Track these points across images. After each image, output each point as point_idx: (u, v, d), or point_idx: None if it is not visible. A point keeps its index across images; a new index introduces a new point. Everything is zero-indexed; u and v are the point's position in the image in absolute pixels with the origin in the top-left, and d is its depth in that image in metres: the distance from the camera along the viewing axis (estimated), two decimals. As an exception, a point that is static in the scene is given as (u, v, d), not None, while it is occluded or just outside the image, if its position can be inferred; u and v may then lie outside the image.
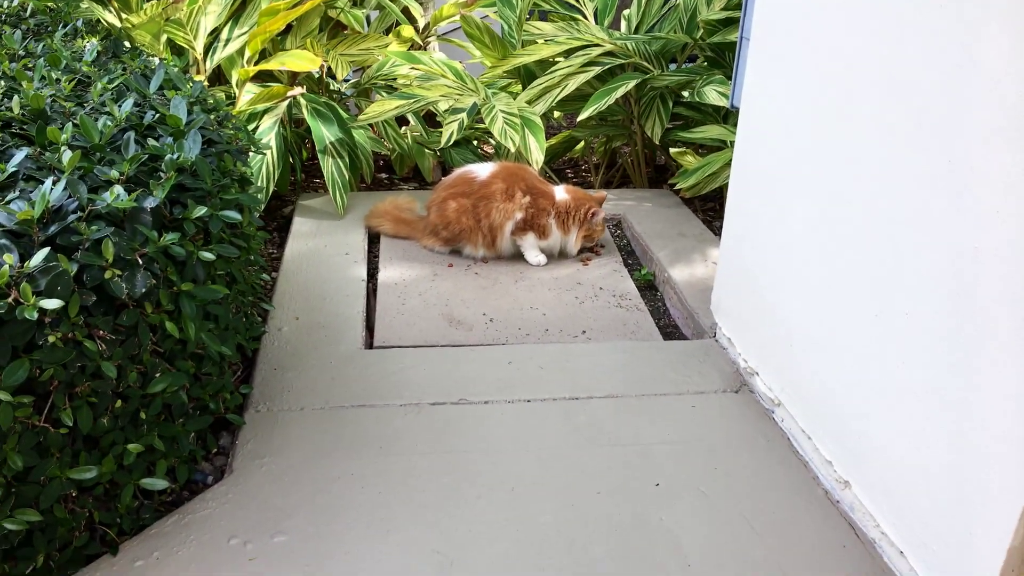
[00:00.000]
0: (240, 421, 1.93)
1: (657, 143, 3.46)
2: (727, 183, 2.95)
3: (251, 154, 2.94)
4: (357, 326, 2.42)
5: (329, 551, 1.59)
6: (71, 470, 1.44)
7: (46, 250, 1.37)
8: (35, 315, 1.31)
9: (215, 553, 1.56)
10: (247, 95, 3.24)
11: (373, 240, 3.10)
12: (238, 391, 2.01)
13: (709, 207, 3.63)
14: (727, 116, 3.37)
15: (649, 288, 2.88)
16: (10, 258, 1.34)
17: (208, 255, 1.71)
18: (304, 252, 2.91)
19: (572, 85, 3.28)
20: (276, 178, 3.10)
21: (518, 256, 2.95)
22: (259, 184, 3.03)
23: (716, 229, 3.23)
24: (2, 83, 1.94)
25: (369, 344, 2.39)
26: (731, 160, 2.32)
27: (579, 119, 3.31)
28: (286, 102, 3.24)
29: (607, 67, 3.32)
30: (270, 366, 2.19)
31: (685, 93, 3.52)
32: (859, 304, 1.66)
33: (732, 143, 3.05)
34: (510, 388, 2.13)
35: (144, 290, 1.52)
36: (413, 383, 2.14)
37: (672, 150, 3.66)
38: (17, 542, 1.42)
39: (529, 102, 3.29)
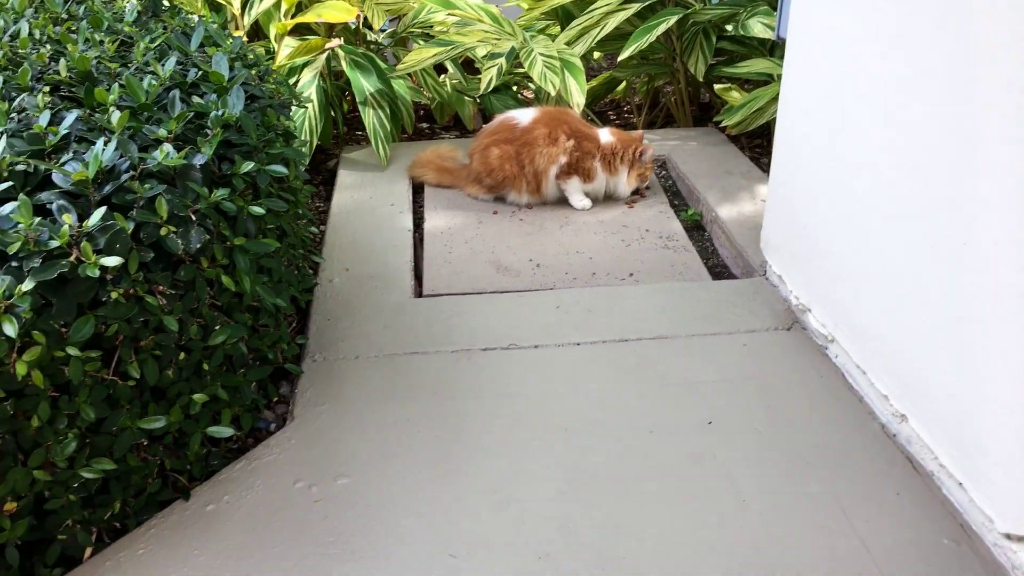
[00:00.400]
0: (298, 370, 1.98)
1: (701, 80, 3.37)
2: (774, 118, 2.87)
3: (293, 108, 2.95)
4: (406, 275, 2.45)
5: (390, 492, 1.63)
6: (141, 420, 1.50)
7: (103, 209, 1.41)
8: (97, 273, 1.35)
9: (282, 496, 1.62)
10: (286, 49, 3.24)
11: (417, 190, 3.11)
12: (294, 342, 2.06)
13: (756, 144, 3.55)
14: (773, 49, 3.27)
15: (696, 228, 2.85)
16: (69, 218, 1.38)
17: (258, 209, 1.74)
18: (350, 204, 2.93)
19: (611, 24, 3.21)
20: (319, 132, 3.11)
21: (562, 201, 2.93)
22: (302, 138, 3.05)
23: (764, 166, 3.16)
24: (48, 47, 1.98)
25: (418, 293, 2.42)
26: (778, 94, 2.26)
27: (620, 59, 3.24)
28: (325, 55, 3.24)
29: (647, 3, 3.24)
30: (324, 317, 2.23)
31: (729, 27, 3.42)
32: (916, 235, 1.62)
33: (779, 76, 2.96)
34: (559, 332, 2.14)
35: (199, 245, 1.56)
36: (463, 329, 2.16)
37: (716, 86, 3.58)
38: (95, 490, 1.49)
39: (568, 44, 3.23)
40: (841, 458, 1.70)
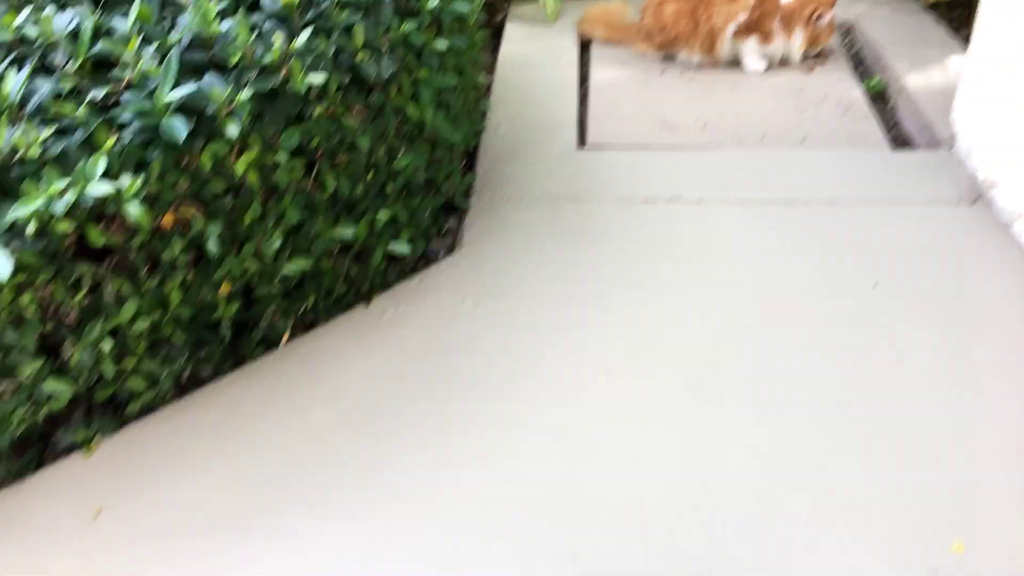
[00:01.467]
0: (466, 205, 2.10)
1: (903, -63, 3.08)
2: (985, -21, 2.61)
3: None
4: (570, 127, 2.48)
5: (551, 315, 1.75)
6: (333, 228, 1.65)
7: (309, 30, 1.52)
8: (303, 88, 1.47)
9: (450, 310, 1.77)
10: None
11: (584, 46, 3.08)
12: (464, 179, 2.16)
13: (955, 15, 3.23)
14: (994, -99, 2.92)
15: (879, 98, 2.68)
16: (279, 37, 1.50)
17: (441, 44, 1.81)
18: (517, 57, 2.95)
19: None
20: (491, -17, 3.11)
21: (734, 63, 2.82)
22: (476, -12, 3.07)
23: (963, 37, 2.90)
24: None
25: (582, 144, 2.45)
26: (996, -54, 2.05)
27: (814, -89, 2.99)
28: (502, -98, 3.19)
29: None
30: (491, 159, 2.31)
31: None
32: None
33: (997, -68, 2.65)
34: (723, 189, 2.13)
35: (390, 73, 1.65)
36: (626, 181, 2.19)
37: (920, -54, 3.25)
38: (293, 285, 1.68)
39: None
40: (1015, 333, 1.64)
